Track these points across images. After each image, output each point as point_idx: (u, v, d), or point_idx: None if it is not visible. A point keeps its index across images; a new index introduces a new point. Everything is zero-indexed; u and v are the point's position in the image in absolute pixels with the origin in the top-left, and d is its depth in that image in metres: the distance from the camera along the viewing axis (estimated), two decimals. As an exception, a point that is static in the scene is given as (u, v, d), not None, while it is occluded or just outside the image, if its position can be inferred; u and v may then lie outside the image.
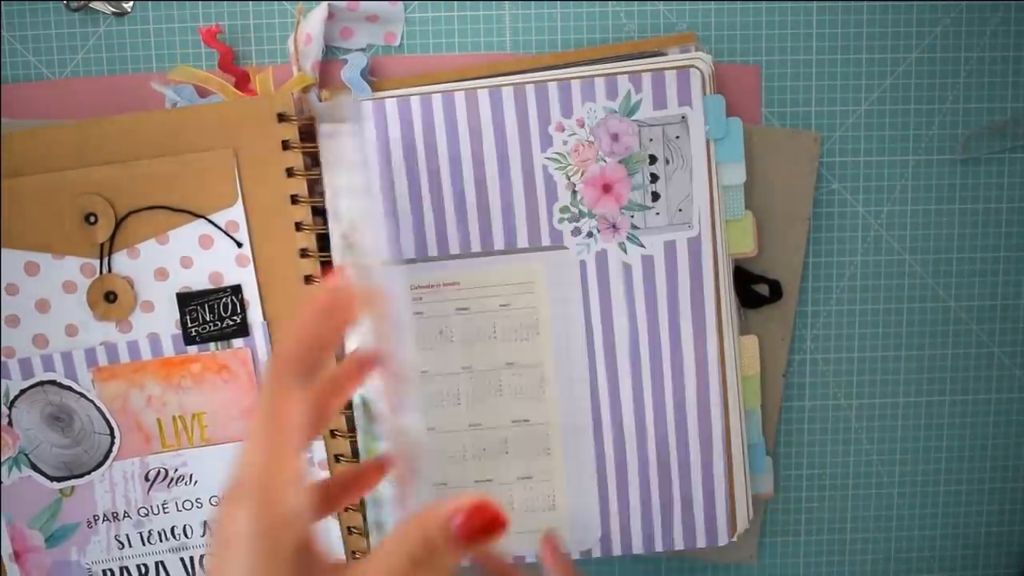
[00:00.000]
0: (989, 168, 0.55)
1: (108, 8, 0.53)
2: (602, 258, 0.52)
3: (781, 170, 0.53)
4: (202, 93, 0.52)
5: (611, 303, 0.52)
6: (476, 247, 0.52)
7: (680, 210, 0.51)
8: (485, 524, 0.34)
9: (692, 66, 0.50)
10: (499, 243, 0.52)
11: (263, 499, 0.33)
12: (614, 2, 0.53)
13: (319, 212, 0.52)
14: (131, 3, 0.53)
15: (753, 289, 0.53)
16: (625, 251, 0.52)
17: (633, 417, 0.52)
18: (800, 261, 0.54)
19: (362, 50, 0.53)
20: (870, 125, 0.54)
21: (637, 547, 0.53)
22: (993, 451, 0.57)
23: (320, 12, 0.51)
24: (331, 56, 0.53)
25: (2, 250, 0.52)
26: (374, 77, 0.53)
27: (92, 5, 0.53)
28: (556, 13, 0.53)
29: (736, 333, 0.52)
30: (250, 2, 0.53)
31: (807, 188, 0.53)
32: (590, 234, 0.52)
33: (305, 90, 0.52)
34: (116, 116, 0.51)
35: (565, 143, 0.51)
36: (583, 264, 0.52)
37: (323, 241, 0.52)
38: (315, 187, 0.52)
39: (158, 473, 0.54)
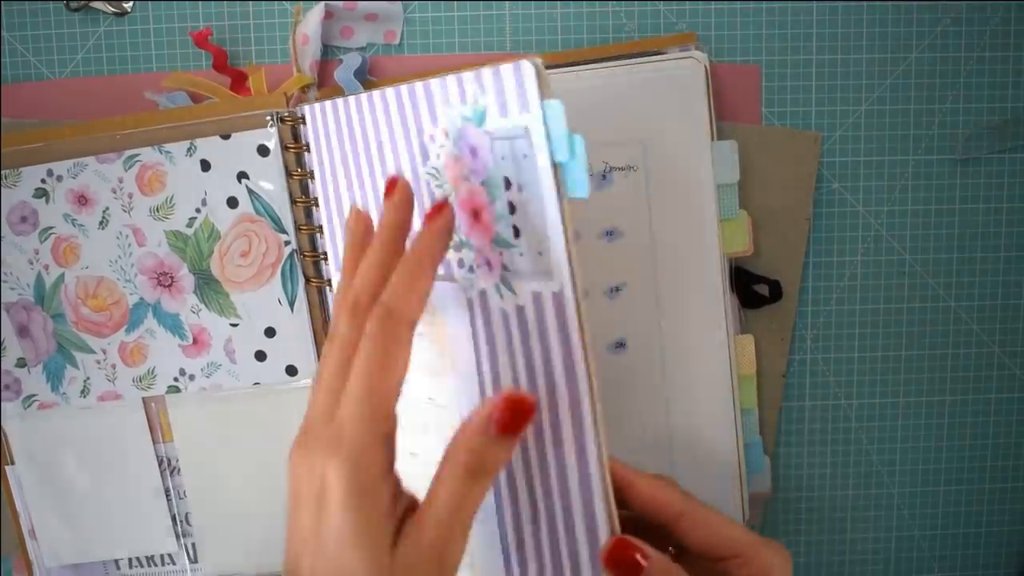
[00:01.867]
0: (989, 168, 0.54)
1: (108, 8, 0.53)
2: (484, 300, 0.40)
3: (781, 170, 0.53)
4: (197, 98, 0.53)
5: (497, 355, 0.40)
6: None
7: (540, 254, 0.37)
8: (515, 411, 0.35)
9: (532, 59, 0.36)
10: None
11: (360, 460, 0.34)
12: (614, 2, 0.53)
13: (311, 213, 0.52)
14: (131, 3, 0.53)
15: (753, 289, 0.53)
16: (501, 296, 0.39)
17: None
18: (800, 261, 0.54)
19: (362, 49, 0.53)
20: (870, 125, 0.54)
21: None
22: (993, 451, 0.57)
23: (317, 12, 0.51)
24: (333, 55, 0.53)
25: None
26: (374, 77, 0.53)
27: (92, 5, 0.53)
28: (556, 13, 0.53)
29: (733, 333, 0.52)
30: (250, 2, 0.53)
31: (807, 188, 0.53)
32: (472, 269, 0.40)
33: (303, 90, 0.52)
34: (115, 116, 0.51)
35: (438, 156, 0.41)
36: (471, 303, 0.41)
37: (315, 241, 0.52)
38: (308, 187, 0.52)
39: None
